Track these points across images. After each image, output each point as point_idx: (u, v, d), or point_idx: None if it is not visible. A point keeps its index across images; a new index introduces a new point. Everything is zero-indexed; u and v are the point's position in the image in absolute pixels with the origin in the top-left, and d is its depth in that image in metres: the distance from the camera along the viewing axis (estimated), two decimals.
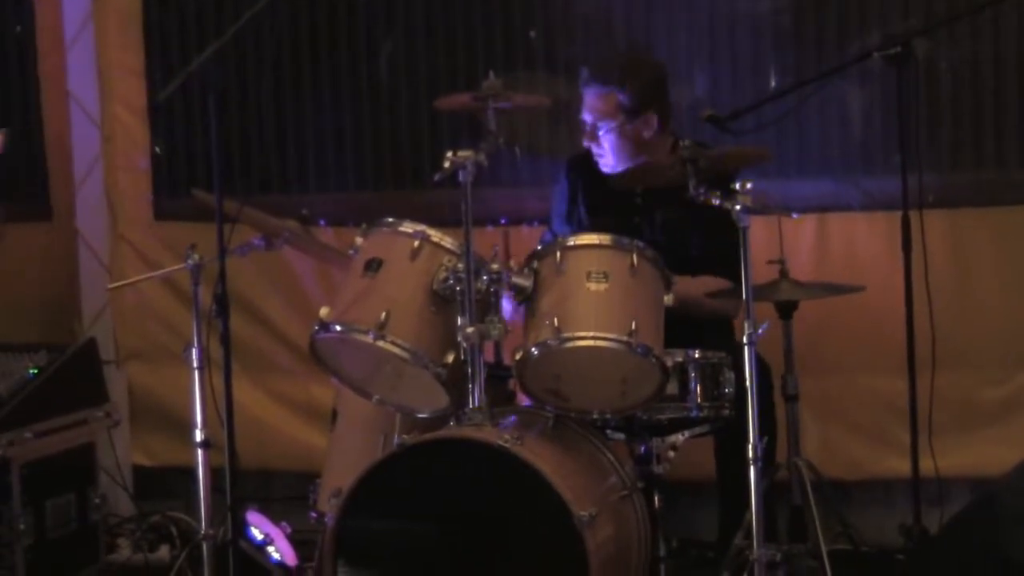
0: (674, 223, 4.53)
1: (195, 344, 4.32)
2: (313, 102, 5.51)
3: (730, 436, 4.20)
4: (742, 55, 5.15)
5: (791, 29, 5.12)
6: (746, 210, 3.94)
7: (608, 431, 4.21)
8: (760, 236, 4.33)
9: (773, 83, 5.11)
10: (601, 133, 4.60)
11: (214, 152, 4.09)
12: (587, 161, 4.79)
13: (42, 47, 5.77)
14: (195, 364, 4.32)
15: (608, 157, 4.64)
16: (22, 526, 4.76)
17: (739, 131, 4.60)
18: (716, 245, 4.34)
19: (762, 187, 4.03)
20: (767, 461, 4.06)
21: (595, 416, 4.11)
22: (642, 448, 4.16)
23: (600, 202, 4.70)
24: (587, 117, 4.63)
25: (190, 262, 4.36)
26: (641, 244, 4.07)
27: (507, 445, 3.80)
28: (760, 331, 3.93)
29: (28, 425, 4.85)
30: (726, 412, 4.17)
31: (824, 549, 4.20)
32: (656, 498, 4.12)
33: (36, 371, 5.00)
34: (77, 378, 5.12)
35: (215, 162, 4.10)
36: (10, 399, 4.87)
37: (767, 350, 4.30)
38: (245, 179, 5.40)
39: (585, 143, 4.68)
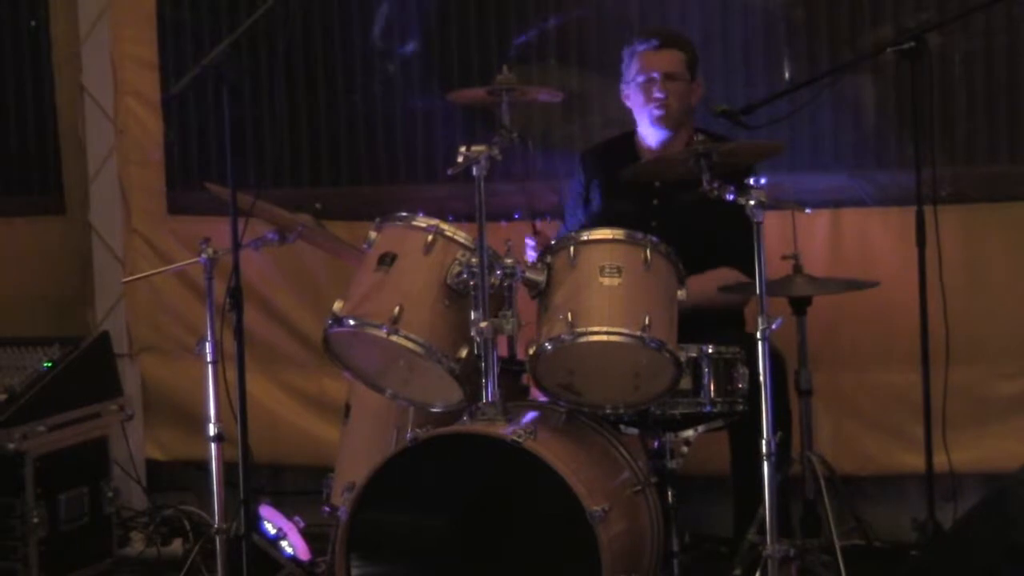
0: (689, 215, 4.52)
1: (208, 338, 4.32)
2: (326, 96, 5.51)
3: (744, 431, 4.19)
4: (755, 49, 5.13)
5: (804, 22, 5.10)
6: (760, 205, 3.93)
7: (622, 426, 4.20)
8: (774, 231, 4.32)
9: (786, 77, 5.09)
10: (669, 84, 4.63)
11: (227, 146, 4.09)
12: (602, 154, 4.78)
13: (56, 41, 5.78)
14: (208, 358, 4.32)
15: (672, 109, 4.64)
16: (35, 519, 4.77)
17: (752, 125, 4.59)
18: (730, 237, 4.33)
19: (775, 182, 4.02)
20: (781, 456, 4.05)
21: (608, 411, 4.10)
22: (656, 443, 4.16)
23: (616, 194, 4.70)
24: (654, 72, 4.64)
25: (203, 256, 4.36)
26: (655, 239, 4.06)
27: (520, 440, 3.80)
28: (774, 326, 3.93)
29: (42, 418, 4.87)
30: (740, 407, 4.16)
31: (837, 544, 4.19)
32: (669, 493, 4.11)
33: (50, 365, 5.01)
34: (91, 372, 5.13)
35: (228, 156, 4.10)
36: (24, 392, 4.88)
37: (781, 345, 4.29)
38: (258, 173, 5.40)
39: (650, 96, 4.65)
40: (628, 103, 4.74)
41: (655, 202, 4.64)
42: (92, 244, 5.69)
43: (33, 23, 5.83)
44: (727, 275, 4.45)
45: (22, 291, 5.83)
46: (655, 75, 4.65)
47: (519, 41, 5.31)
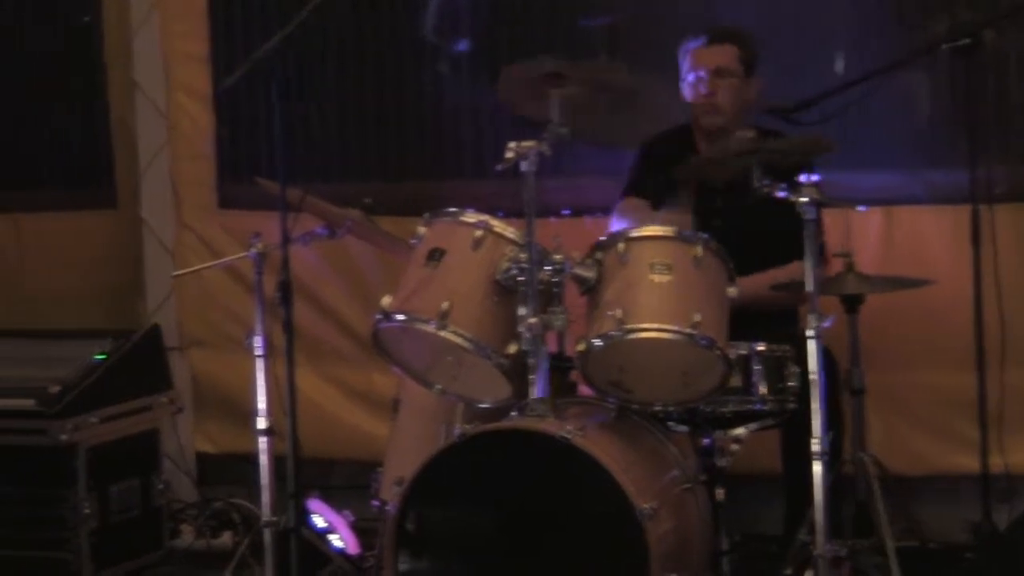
0: (742, 212, 4.49)
1: (258, 332, 4.33)
2: (377, 91, 5.51)
3: (796, 430, 4.16)
4: (806, 44, 5.10)
5: (856, 17, 5.06)
6: (811, 203, 3.90)
7: (671, 423, 4.18)
8: (826, 229, 4.28)
9: (838, 72, 5.06)
10: (720, 81, 4.59)
11: (278, 141, 4.10)
12: (661, 147, 4.74)
13: (108, 36, 5.81)
14: (258, 352, 4.33)
15: (724, 109, 4.60)
16: (87, 510, 4.81)
17: (804, 122, 4.56)
18: (785, 229, 4.29)
19: (828, 179, 3.99)
20: (832, 456, 4.02)
21: (657, 408, 4.09)
22: (706, 441, 4.14)
23: (671, 189, 4.67)
24: (704, 68, 4.61)
25: (253, 250, 4.38)
26: (705, 236, 4.04)
27: (569, 437, 3.79)
28: (825, 324, 3.90)
29: (93, 410, 4.90)
30: (790, 405, 4.14)
31: (890, 545, 4.16)
32: (719, 491, 4.09)
33: (102, 357, 5.04)
34: (142, 365, 5.17)
35: (279, 151, 4.11)
36: (76, 384, 4.92)
37: (832, 344, 4.26)
38: (308, 168, 5.41)
39: (700, 93, 4.62)
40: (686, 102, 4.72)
41: (711, 201, 4.60)
42: (143, 238, 5.73)
43: (87, 18, 5.87)
44: (777, 274, 4.42)
45: (74, 284, 5.87)
46: (703, 73, 4.62)
47: (575, 30, 5.30)
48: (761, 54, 4.73)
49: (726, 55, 4.63)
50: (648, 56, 5.14)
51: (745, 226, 4.37)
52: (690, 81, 4.64)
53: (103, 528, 4.88)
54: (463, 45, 5.46)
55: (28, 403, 4.85)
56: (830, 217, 4.41)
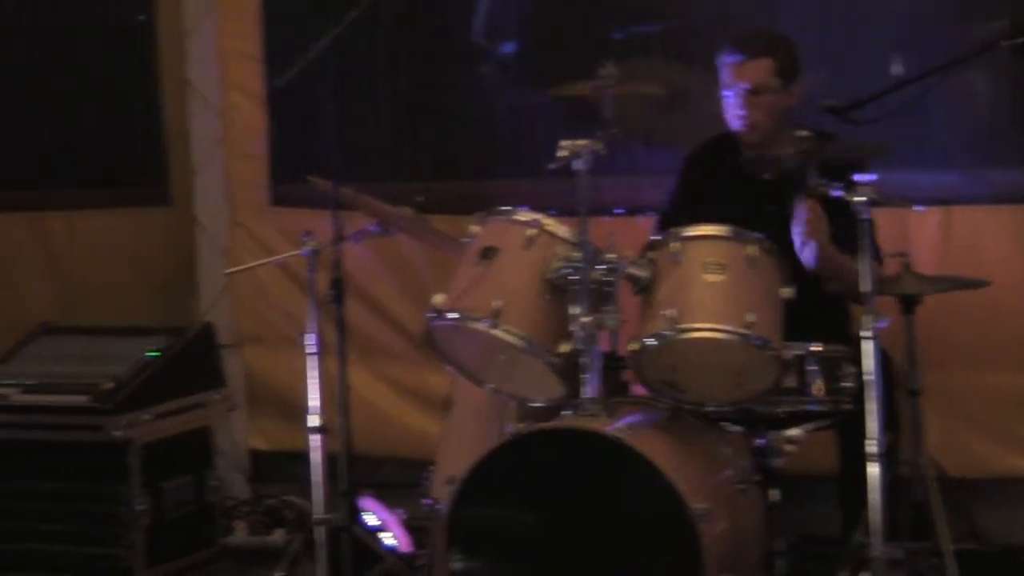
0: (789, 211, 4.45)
1: (311, 329, 4.34)
2: (429, 90, 5.51)
3: (853, 431, 4.12)
4: (861, 41, 5.05)
5: (913, 14, 5.01)
6: (868, 202, 3.86)
7: (725, 423, 4.15)
8: (883, 229, 4.24)
9: (895, 70, 5.01)
10: (755, 99, 4.50)
11: (330, 139, 4.11)
12: (705, 156, 4.70)
13: (162, 35, 5.84)
14: (311, 350, 4.34)
15: (759, 127, 4.53)
16: (141, 506, 4.83)
17: (860, 121, 4.50)
18: (843, 228, 4.24)
19: (885, 178, 3.95)
20: (890, 457, 3.97)
21: (711, 408, 4.06)
22: (760, 441, 4.11)
23: (725, 191, 4.62)
24: (738, 87, 4.50)
25: (306, 248, 4.39)
26: (760, 236, 4.02)
27: (622, 436, 3.78)
28: (881, 325, 3.86)
29: (147, 407, 4.93)
30: (846, 406, 4.10)
31: (948, 547, 4.11)
32: (773, 492, 4.06)
33: (155, 354, 5.07)
34: (195, 362, 5.19)
35: (331, 149, 4.11)
36: (129, 381, 4.95)
37: (888, 345, 4.22)
38: (361, 166, 5.41)
39: (735, 113, 4.55)
40: None
41: (760, 203, 4.56)
42: (196, 236, 5.75)
43: (141, 17, 5.90)
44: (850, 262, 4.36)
45: (128, 282, 5.91)
46: (738, 91, 4.52)
47: (621, 35, 5.28)
48: (803, 56, 4.63)
49: (760, 71, 4.48)
50: (701, 58, 5.11)
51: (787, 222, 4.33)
52: (726, 97, 4.57)
53: (156, 524, 4.90)
54: (512, 47, 5.45)
55: (82, 399, 4.89)
56: (887, 217, 4.35)
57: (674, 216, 4.71)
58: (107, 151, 6.01)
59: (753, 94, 4.47)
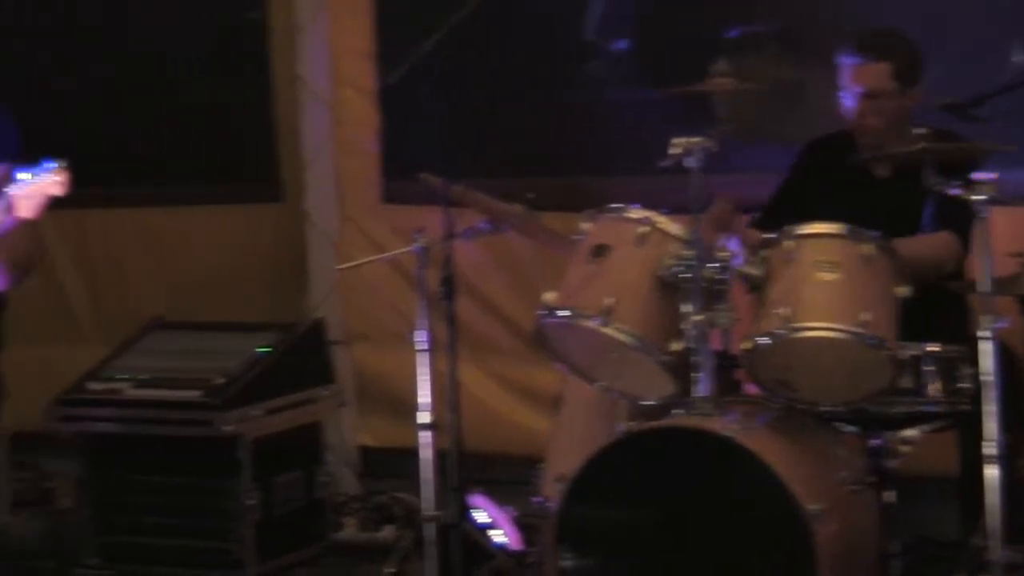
0: (908, 207, 4.38)
1: (421, 326, 4.34)
2: (541, 86, 5.50)
3: (972, 432, 4.05)
4: (982, 35, 4.95)
5: None
6: (987, 201, 3.80)
7: (839, 423, 4.10)
8: (1001, 228, 4.16)
9: (1015, 65, 4.91)
10: (871, 103, 4.44)
11: (441, 136, 4.11)
12: (828, 147, 4.64)
13: (274, 31, 5.88)
14: (422, 346, 4.34)
15: (876, 130, 4.46)
16: (251, 501, 4.86)
17: (982, 118, 4.42)
18: (945, 209, 4.18)
19: (1005, 177, 3.88)
20: (1012, 458, 3.90)
21: (825, 408, 4.01)
22: (876, 442, 4.06)
23: (840, 188, 4.57)
24: (855, 89, 4.44)
25: (417, 245, 4.40)
26: (875, 234, 3.97)
27: (734, 435, 3.75)
28: (999, 325, 3.79)
29: (257, 402, 4.96)
30: (963, 407, 4.03)
31: None
32: (888, 493, 4.01)
33: (266, 350, 5.10)
34: (305, 358, 5.22)
35: (443, 146, 4.11)
36: (240, 376, 4.99)
37: (1013, 344, 4.13)
38: (472, 163, 5.41)
39: (852, 115, 4.50)
40: None
41: (877, 201, 4.49)
42: (307, 232, 5.79)
43: (253, 14, 5.94)
44: (938, 240, 4.28)
45: (239, 277, 5.95)
46: (855, 93, 4.44)
47: (735, 34, 5.23)
48: (925, 56, 4.56)
49: (878, 75, 4.41)
50: (816, 56, 5.05)
51: (903, 223, 4.26)
52: (843, 98, 4.51)
53: (266, 519, 4.92)
54: (625, 44, 5.42)
55: (194, 394, 4.93)
56: (1006, 216, 4.27)
57: (779, 209, 4.66)
58: (218, 147, 6.06)
59: (869, 97, 4.41)
